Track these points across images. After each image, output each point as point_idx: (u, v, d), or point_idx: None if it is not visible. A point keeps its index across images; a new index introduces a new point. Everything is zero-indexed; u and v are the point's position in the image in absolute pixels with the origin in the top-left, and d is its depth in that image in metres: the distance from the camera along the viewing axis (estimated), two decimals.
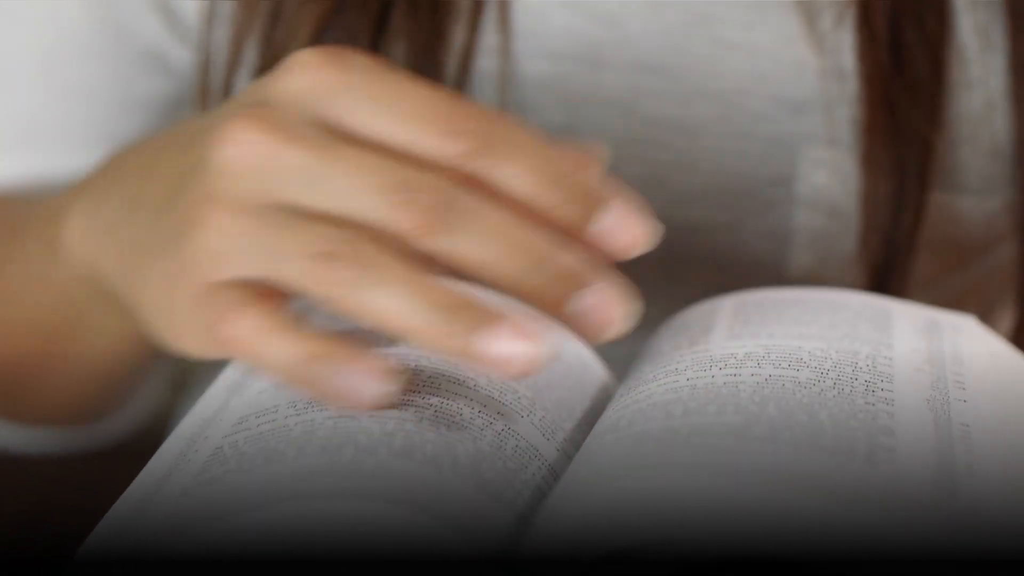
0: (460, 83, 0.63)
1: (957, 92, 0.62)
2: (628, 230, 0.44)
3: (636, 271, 0.66)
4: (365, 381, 0.43)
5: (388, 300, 0.43)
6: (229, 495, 0.43)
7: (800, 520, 0.40)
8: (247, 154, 0.44)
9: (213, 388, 0.50)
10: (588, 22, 0.63)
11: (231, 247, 0.44)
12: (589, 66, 0.63)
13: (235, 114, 0.45)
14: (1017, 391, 0.51)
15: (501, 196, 0.43)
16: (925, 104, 0.61)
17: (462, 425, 0.46)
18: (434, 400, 0.47)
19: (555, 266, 0.43)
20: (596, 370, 0.56)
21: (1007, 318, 0.68)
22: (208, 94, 0.66)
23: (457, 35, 0.63)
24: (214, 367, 0.52)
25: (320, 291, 0.43)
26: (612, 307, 0.44)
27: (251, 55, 0.64)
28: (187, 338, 0.48)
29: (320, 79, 0.44)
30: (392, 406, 0.45)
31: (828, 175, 0.63)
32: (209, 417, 0.48)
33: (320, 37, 0.62)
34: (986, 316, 0.68)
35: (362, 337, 0.48)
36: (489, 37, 0.63)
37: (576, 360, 0.55)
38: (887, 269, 0.62)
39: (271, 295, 0.45)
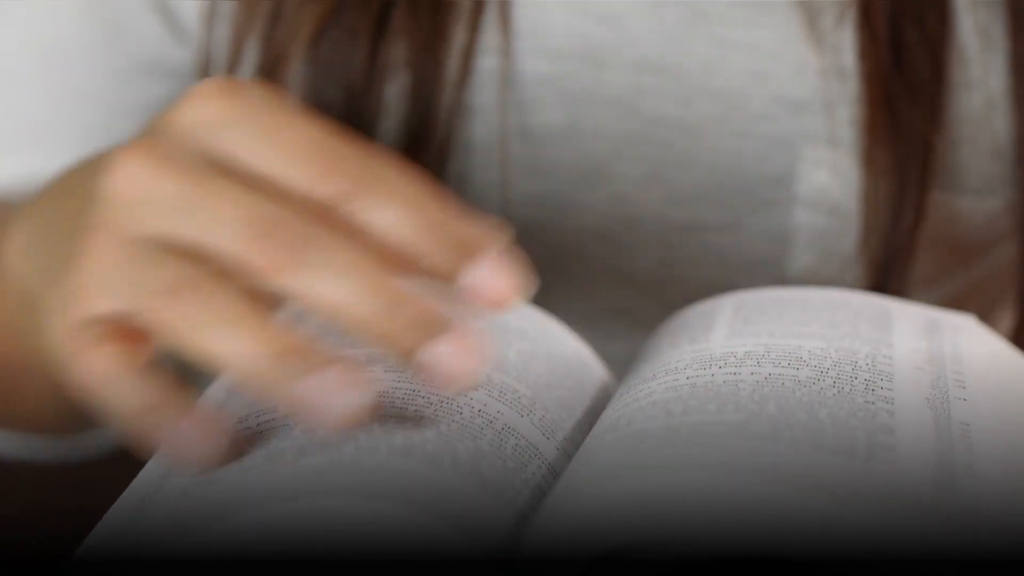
0: (461, 82, 0.63)
1: (957, 92, 0.62)
2: (498, 285, 0.43)
3: (636, 270, 0.66)
4: (194, 444, 0.43)
5: (221, 341, 0.42)
6: (229, 494, 0.43)
7: (800, 519, 0.40)
8: (131, 185, 0.44)
9: (213, 387, 0.50)
10: (589, 21, 0.63)
11: (102, 280, 0.44)
12: (590, 65, 0.63)
13: (128, 144, 0.45)
14: (1017, 391, 0.51)
15: (369, 239, 0.43)
16: (925, 104, 0.61)
17: (462, 423, 0.46)
18: (434, 398, 0.47)
19: (408, 312, 0.42)
20: (596, 369, 0.55)
21: (1007, 318, 0.68)
22: None
23: (458, 34, 0.63)
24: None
25: (162, 329, 0.43)
26: (462, 360, 0.43)
27: (251, 55, 0.64)
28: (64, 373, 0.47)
29: (213, 111, 0.44)
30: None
31: (828, 175, 0.63)
32: (209, 417, 0.48)
33: (320, 36, 0.62)
34: (986, 316, 0.68)
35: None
36: (490, 36, 0.63)
37: (576, 359, 0.55)
38: (887, 269, 0.62)
39: (134, 336, 0.44)
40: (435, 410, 0.47)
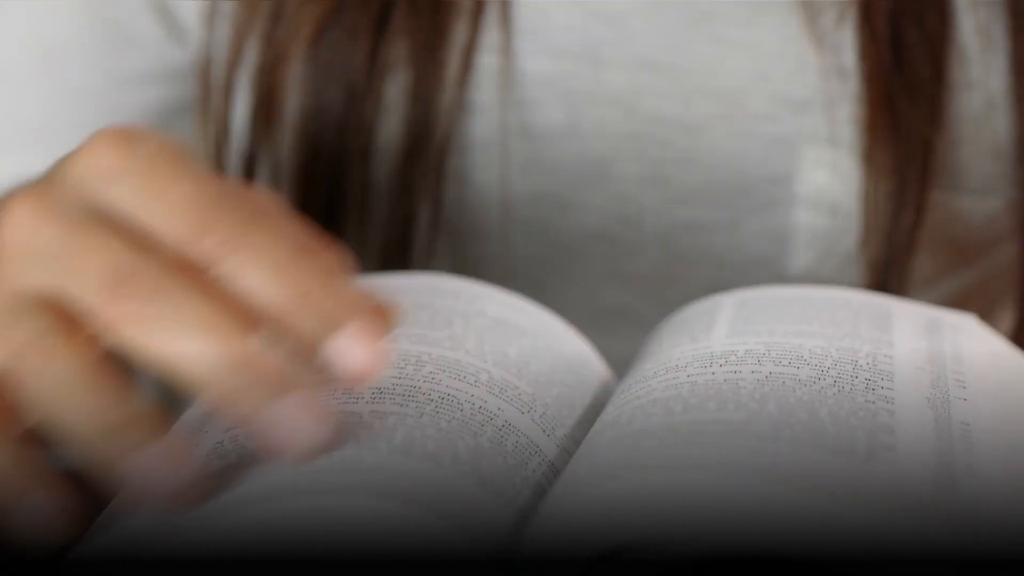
0: (461, 80, 0.63)
1: (958, 92, 0.62)
2: (356, 358, 0.43)
3: (636, 269, 0.66)
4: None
5: (57, 402, 0.42)
6: (228, 492, 0.43)
7: (800, 518, 0.40)
8: (16, 234, 0.44)
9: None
10: (589, 20, 0.63)
11: None
12: (590, 64, 0.63)
13: (22, 190, 0.45)
14: (1017, 390, 0.51)
15: (232, 299, 0.42)
16: (926, 104, 0.61)
17: (462, 421, 0.46)
18: (435, 395, 0.47)
19: (253, 373, 0.42)
20: (597, 367, 0.55)
21: (1008, 317, 0.68)
22: (209, 94, 0.66)
23: (458, 32, 0.63)
24: None
25: (11, 385, 0.42)
26: (303, 423, 0.42)
27: (252, 54, 0.64)
28: None
29: (106, 162, 0.44)
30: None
31: (828, 174, 0.63)
32: (209, 412, 0.48)
33: (321, 36, 0.62)
34: (987, 315, 0.68)
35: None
36: (490, 34, 0.63)
37: (577, 357, 0.55)
38: (887, 268, 0.62)
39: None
40: (435, 407, 0.47)
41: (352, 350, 0.42)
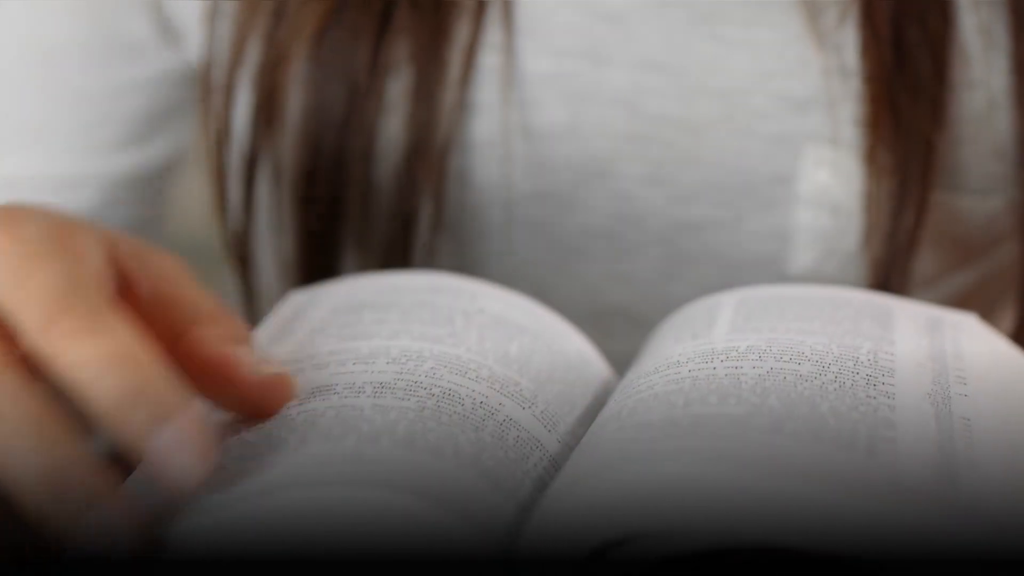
0: (464, 80, 0.63)
1: (959, 91, 0.62)
2: (179, 457, 0.42)
3: (637, 268, 0.66)
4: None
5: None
6: (229, 484, 0.43)
7: (801, 510, 0.40)
8: None
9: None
10: (591, 19, 0.63)
11: None
12: (592, 63, 0.63)
13: None
14: (1018, 388, 0.51)
15: (63, 393, 0.42)
16: (927, 103, 0.61)
17: (463, 415, 0.46)
18: (436, 390, 0.47)
19: (63, 480, 0.41)
20: (598, 366, 0.56)
21: (1008, 317, 0.68)
22: (210, 94, 0.66)
23: (461, 32, 0.63)
24: None
25: None
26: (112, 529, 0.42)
27: (253, 53, 0.64)
28: None
29: None
30: None
31: (830, 173, 0.63)
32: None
33: (323, 35, 0.62)
34: (988, 315, 0.68)
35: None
36: (493, 34, 0.63)
37: (578, 355, 0.55)
38: (889, 268, 0.62)
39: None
40: (437, 402, 0.47)
41: (178, 450, 0.42)
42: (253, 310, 0.67)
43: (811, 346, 0.49)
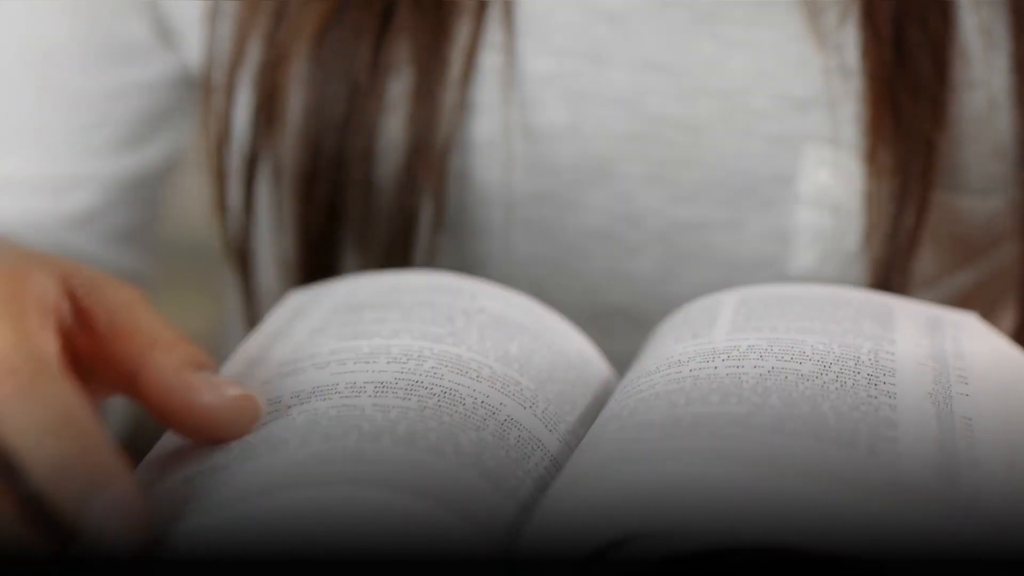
0: (464, 80, 0.63)
1: (960, 91, 0.62)
2: (113, 527, 0.41)
3: (638, 268, 0.66)
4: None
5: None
6: (233, 483, 0.43)
7: (803, 509, 0.40)
8: None
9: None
10: (592, 19, 0.63)
11: None
12: (592, 63, 0.63)
13: None
14: (1019, 388, 0.51)
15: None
16: (928, 103, 0.61)
17: (464, 415, 0.46)
18: (437, 390, 0.47)
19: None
20: (598, 365, 0.56)
21: (1008, 317, 0.68)
22: (210, 93, 0.66)
23: (461, 32, 0.63)
24: None
25: None
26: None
27: (254, 53, 0.64)
28: None
29: None
30: None
31: (831, 173, 0.63)
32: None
33: (324, 34, 0.62)
34: (988, 314, 0.68)
35: None
36: (493, 34, 0.63)
37: (578, 355, 0.55)
38: (889, 268, 0.62)
39: None
40: (437, 401, 0.47)
41: (109, 521, 0.41)
42: (253, 310, 0.67)
43: (812, 345, 0.49)
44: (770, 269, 0.65)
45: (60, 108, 0.68)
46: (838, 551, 0.40)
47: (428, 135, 0.63)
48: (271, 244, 0.67)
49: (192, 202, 0.84)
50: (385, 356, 0.49)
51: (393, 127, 0.63)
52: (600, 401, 0.53)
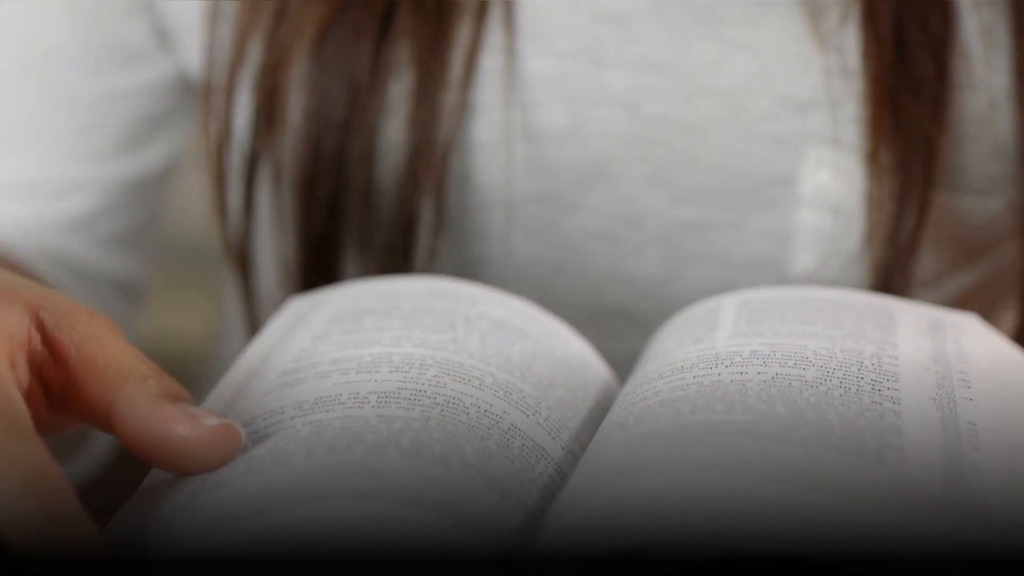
0: (465, 81, 0.63)
1: (961, 92, 0.62)
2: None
3: (638, 269, 0.66)
4: None
5: None
6: (238, 498, 0.42)
7: (812, 519, 0.40)
8: None
9: (215, 392, 0.50)
10: (592, 21, 0.63)
11: None
12: (593, 65, 0.63)
13: None
14: (1020, 390, 0.51)
15: None
16: (929, 104, 0.61)
17: (468, 424, 0.46)
18: (440, 399, 0.47)
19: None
20: (598, 369, 0.55)
21: (1009, 317, 0.68)
22: (210, 94, 0.66)
23: (462, 34, 0.63)
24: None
25: None
26: None
27: (255, 54, 0.64)
28: None
29: None
30: None
31: (831, 174, 0.63)
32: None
33: (325, 36, 0.62)
34: (988, 315, 0.68)
35: None
36: (494, 35, 0.63)
37: (578, 359, 0.55)
38: (890, 269, 0.62)
39: None
40: (441, 411, 0.47)
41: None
42: (253, 312, 0.67)
43: (815, 351, 0.49)
44: (771, 270, 0.65)
45: (58, 111, 0.68)
46: (848, 561, 0.40)
47: (429, 136, 0.63)
48: (272, 246, 0.67)
49: (192, 202, 0.84)
50: (387, 365, 0.49)
51: (393, 128, 0.63)
52: (601, 406, 0.53)
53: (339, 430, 0.45)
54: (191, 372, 0.90)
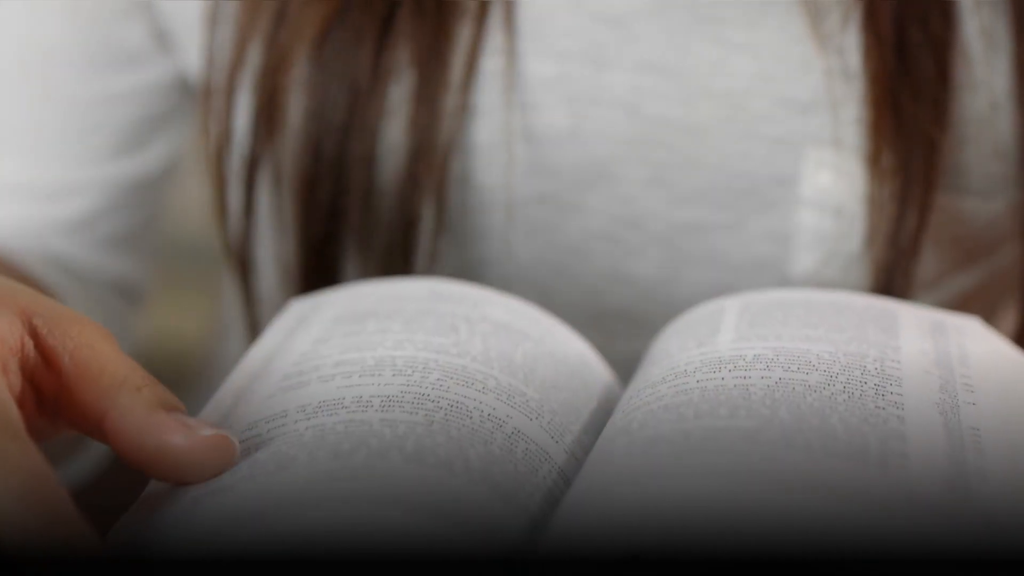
0: (465, 83, 0.63)
1: (962, 93, 0.62)
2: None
3: (639, 271, 0.66)
4: None
5: None
6: (241, 503, 0.42)
7: (816, 525, 0.40)
8: None
9: (217, 396, 0.50)
10: (592, 22, 0.63)
11: None
12: (593, 66, 0.63)
13: None
14: (1021, 392, 0.51)
15: None
16: (930, 105, 0.61)
17: (472, 429, 0.46)
18: (444, 403, 0.47)
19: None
20: (600, 371, 0.55)
21: (1010, 318, 0.68)
22: (210, 96, 0.66)
23: (463, 36, 0.62)
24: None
25: None
26: None
27: (255, 56, 0.64)
28: None
29: None
30: None
31: (833, 176, 0.63)
32: (216, 424, 0.48)
33: (325, 38, 0.62)
34: (989, 316, 0.68)
35: None
36: (494, 37, 0.63)
37: (580, 361, 0.55)
38: (892, 270, 0.62)
39: None
40: (444, 415, 0.47)
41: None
42: (253, 314, 0.67)
43: (817, 355, 0.49)
44: (771, 271, 0.65)
45: (57, 112, 0.68)
46: (852, 567, 0.40)
47: (429, 138, 0.63)
48: (272, 248, 0.67)
49: (192, 203, 0.84)
50: (390, 368, 0.49)
51: (394, 131, 0.63)
52: (603, 409, 0.53)
53: (342, 434, 0.45)
54: (191, 372, 0.90)
